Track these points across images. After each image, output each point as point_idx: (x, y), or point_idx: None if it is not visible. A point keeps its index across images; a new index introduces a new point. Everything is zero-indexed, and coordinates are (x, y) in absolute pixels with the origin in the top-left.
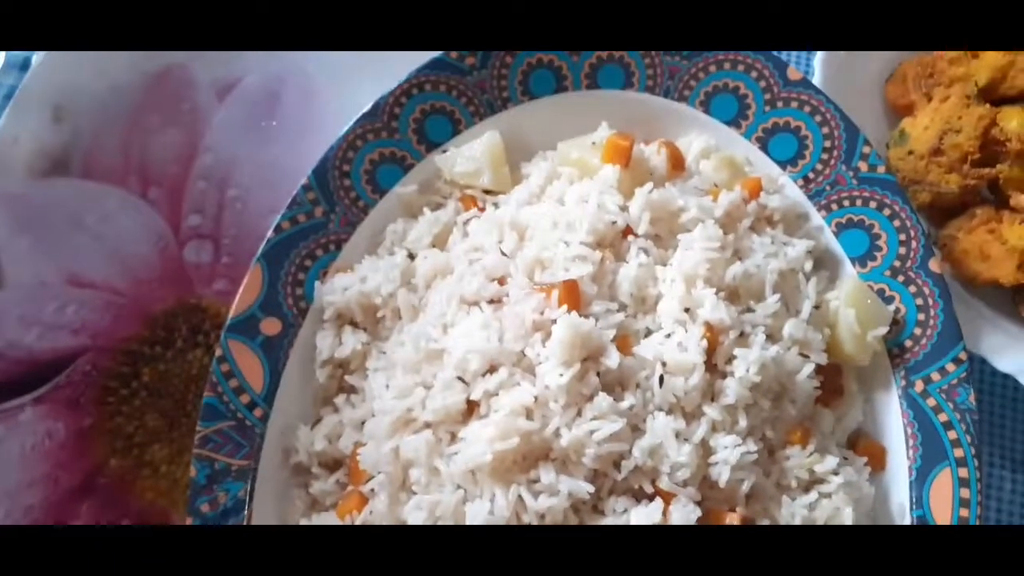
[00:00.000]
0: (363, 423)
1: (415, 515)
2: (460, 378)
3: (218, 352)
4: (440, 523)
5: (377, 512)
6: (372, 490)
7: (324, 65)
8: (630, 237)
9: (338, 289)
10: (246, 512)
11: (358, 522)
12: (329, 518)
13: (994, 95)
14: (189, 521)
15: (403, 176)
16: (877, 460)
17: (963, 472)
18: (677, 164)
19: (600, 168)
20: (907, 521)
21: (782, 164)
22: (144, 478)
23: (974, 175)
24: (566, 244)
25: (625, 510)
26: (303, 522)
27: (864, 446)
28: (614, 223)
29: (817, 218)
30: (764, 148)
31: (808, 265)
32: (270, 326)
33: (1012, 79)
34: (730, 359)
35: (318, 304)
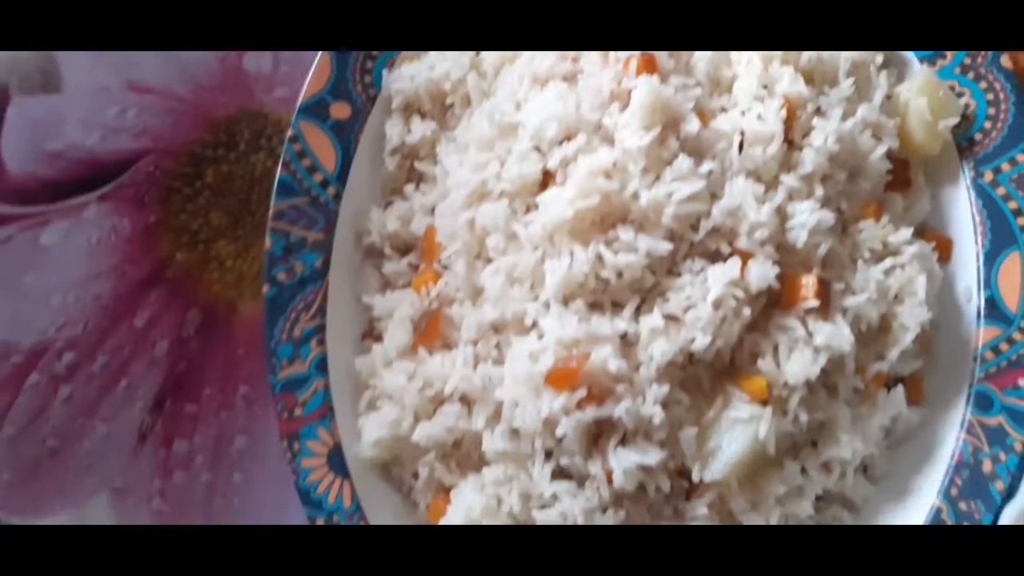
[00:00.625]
0: (433, 208)
1: (492, 280)
2: (537, 148)
3: (290, 133)
4: (517, 286)
5: (453, 281)
6: (445, 267)
7: None
8: None
9: (406, 77)
10: (323, 282)
11: (434, 293)
12: (403, 295)
13: None
14: (265, 289)
15: None
16: (944, 250)
17: None
18: None
19: None
20: (975, 303)
21: None
22: (211, 271)
23: None
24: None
25: (702, 269)
26: (377, 299)
27: (931, 238)
28: None
29: None
30: None
31: (879, 59)
32: (340, 110)
33: None
34: (807, 132)
35: (386, 92)
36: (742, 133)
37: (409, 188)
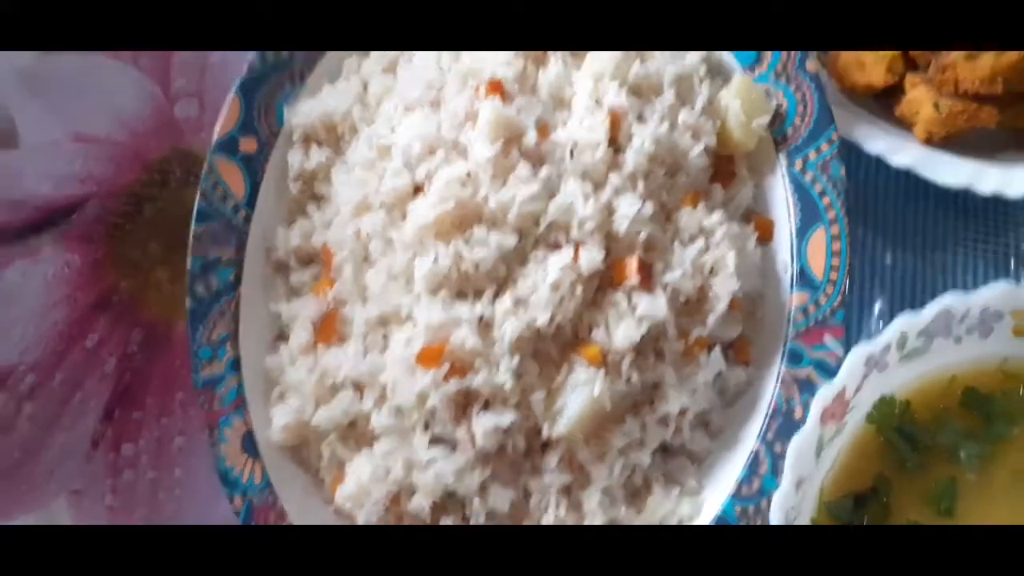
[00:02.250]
0: (330, 223)
1: (375, 280)
2: (407, 165)
3: (206, 167)
4: (394, 283)
5: (344, 284)
6: (339, 273)
7: None
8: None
9: (303, 112)
10: (235, 293)
11: (330, 297)
12: (306, 301)
13: None
14: (188, 302)
15: None
16: (766, 231)
17: (834, 230)
18: None
19: None
20: (789, 273)
21: None
22: (151, 295)
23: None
24: (493, 57)
25: (544, 258)
26: (283, 306)
27: (756, 221)
28: None
29: None
30: None
31: (703, 70)
32: (248, 144)
33: None
34: (630, 137)
35: (287, 127)
36: (574, 143)
37: (310, 208)
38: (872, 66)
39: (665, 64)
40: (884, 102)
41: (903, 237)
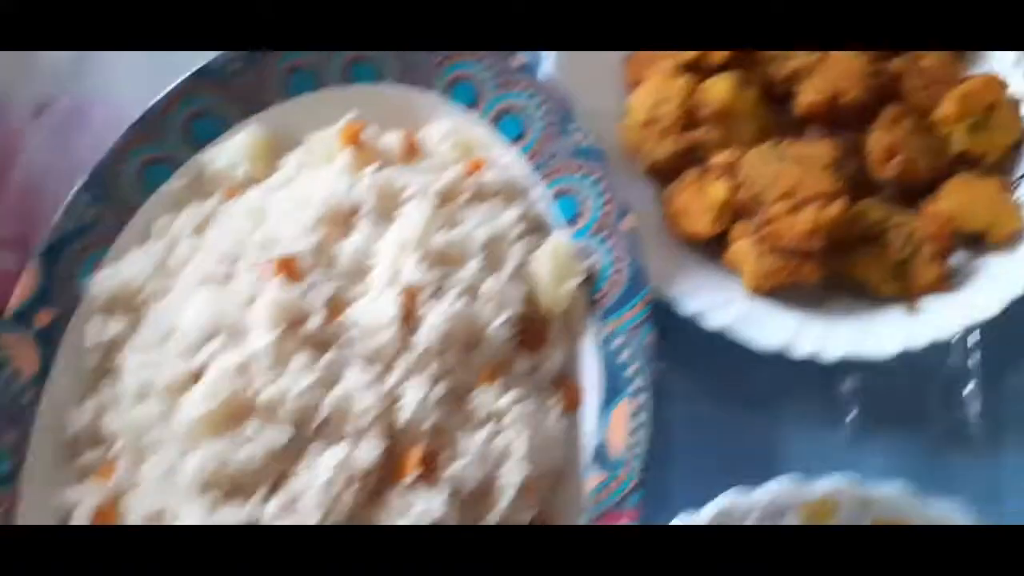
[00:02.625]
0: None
1: (150, 471)
2: (188, 349)
3: None
4: (170, 478)
5: (120, 475)
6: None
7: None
8: (355, 216)
9: (103, 280)
10: (12, 485)
11: (111, 484)
12: (92, 486)
13: (702, 65)
14: None
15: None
16: (573, 400)
17: (637, 403)
18: (412, 149)
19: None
20: (591, 448)
21: (512, 141)
22: None
23: (681, 140)
24: (295, 224)
25: (321, 453)
26: (68, 491)
27: (566, 387)
28: (342, 203)
29: (539, 189)
30: (497, 128)
31: (516, 230)
32: (44, 317)
33: (712, 52)
34: (425, 315)
35: (87, 295)
36: (363, 323)
37: (104, 383)
38: (699, 214)
39: (476, 227)
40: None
41: (724, 400)
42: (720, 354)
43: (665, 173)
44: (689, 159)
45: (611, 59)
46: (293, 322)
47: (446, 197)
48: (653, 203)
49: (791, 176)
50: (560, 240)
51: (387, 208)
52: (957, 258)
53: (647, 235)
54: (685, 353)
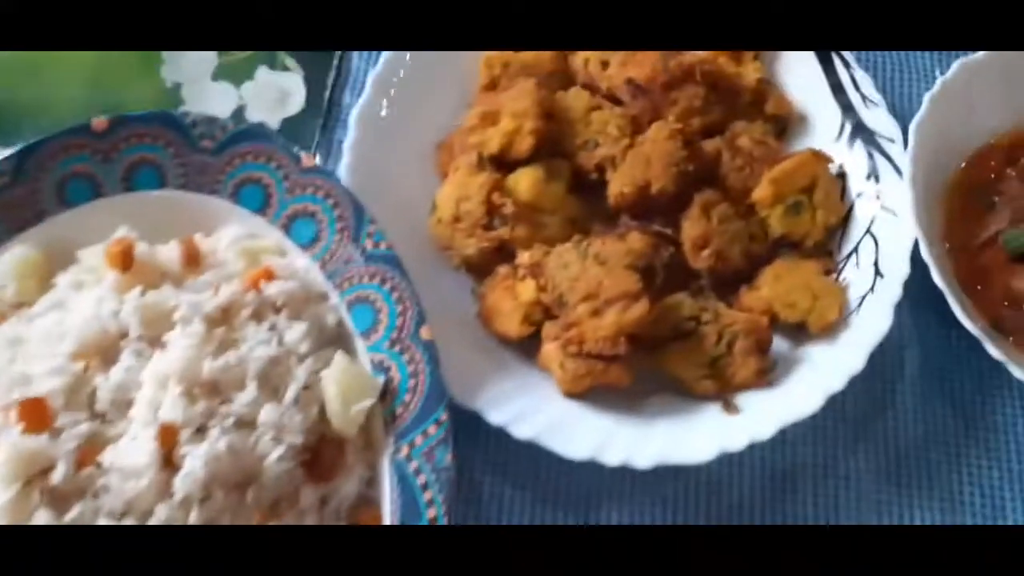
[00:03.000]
0: None
1: None
2: None
3: None
4: None
5: None
6: None
7: None
8: (123, 341)
9: None
10: None
11: None
12: None
13: (507, 158)
14: None
15: None
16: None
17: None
18: (193, 260)
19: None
20: None
21: (305, 247)
22: None
23: (486, 238)
24: (50, 358)
25: None
26: None
27: (365, 515)
28: (106, 330)
29: (334, 297)
30: (289, 233)
31: (304, 347)
32: None
33: (518, 144)
34: (186, 455)
35: None
36: (118, 470)
37: None
38: (508, 315)
39: (254, 349)
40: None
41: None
42: (538, 460)
43: (478, 269)
44: (500, 255)
45: (421, 145)
46: (36, 474)
47: (222, 317)
48: (472, 298)
49: (593, 277)
50: (346, 358)
51: (155, 334)
52: (778, 348)
53: (463, 334)
54: (500, 461)
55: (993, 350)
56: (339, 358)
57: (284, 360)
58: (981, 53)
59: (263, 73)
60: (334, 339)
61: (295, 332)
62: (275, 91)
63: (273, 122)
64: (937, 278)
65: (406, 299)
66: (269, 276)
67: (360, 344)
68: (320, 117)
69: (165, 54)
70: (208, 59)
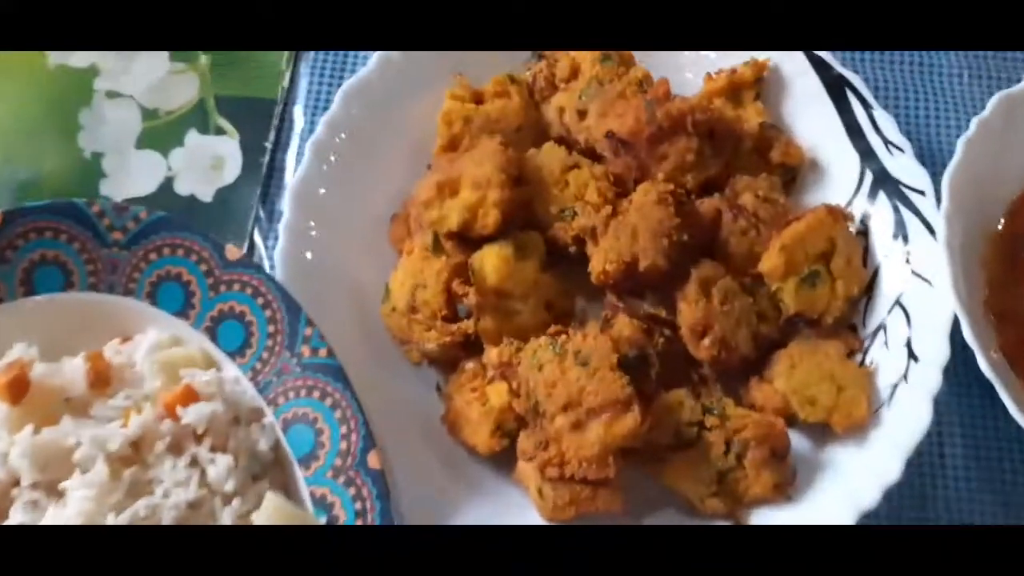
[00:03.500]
0: None
1: None
2: None
3: None
4: None
5: None
6: None
7: None
8: (14, 490)
9: None
10: None
11: None
12: None
13: (471, 235)
14: None
15: None
16: None
17: None
18: (100, 379)
19: None
20: None
21: (233, 355)
22: None
23: (447, 332)
24: None
25: None
26: None
27: None
28: None
29: (268, 415)
30: (214, 339)
31: (230, 485)
32: None
33: (481, 219)
34: None
35: None
36: None
37: None
38: (477, 425)
39: (170, 492)
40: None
41: None
42: None
43: (442, 363)
44: (466, 348)
45: (372, 218)
46: None
47: (133, 453)
48: (438, 396)
49: (573, 381)
50: (278, 498)
51: (53, 479)
52: (797, 449)
53: (427, 444)
54: None
55: None
56: (271, 499)
57: (206, 503)
58: (1022, 84)
59: (194, 138)
60: (268, 468)
61: (219, 467)
62: (208, 157)
63: (207, 193)
64: (985, 367)
65: (350, 418)
66: (189, 398)
67: (299, 473)
68: (259, 185)
69: (83, 119)
70: (132, 125)
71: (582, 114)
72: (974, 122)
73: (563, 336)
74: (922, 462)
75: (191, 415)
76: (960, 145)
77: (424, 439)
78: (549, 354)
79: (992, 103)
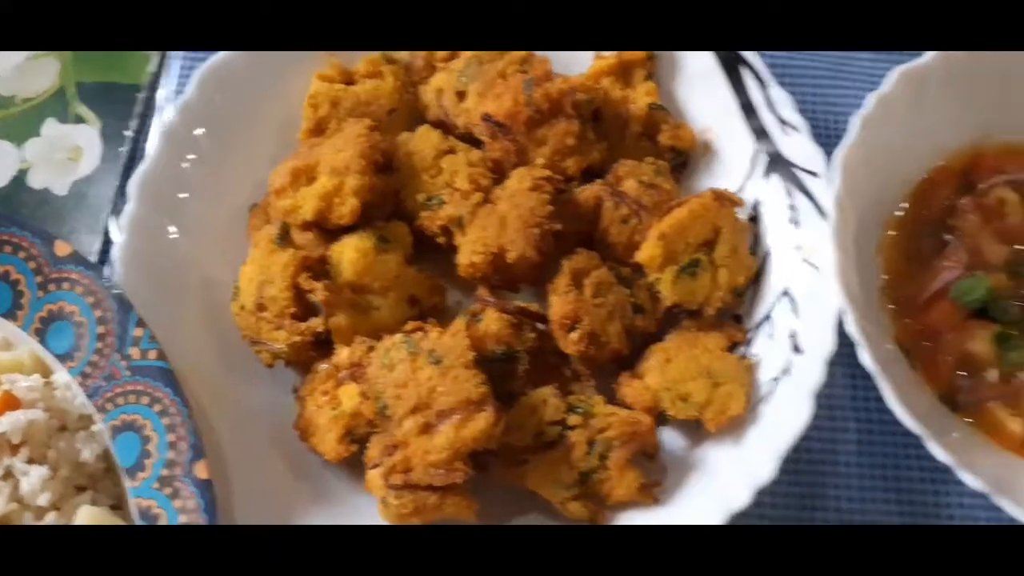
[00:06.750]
0: None
1: None
2: None
3: None
4: None
5: None
6: None
7: None
8: None
9: None
10: None
11: None
12: None
13: (327, 225)
14: None
15: None
16: None
17: None
18: None
19: None
20: None
21: (62, 358)
22: None
23: (296, 331)
24: None
25: None
26: None
27: None
28: None
29: (98, 422)
30: (43, 341)
31: (44, 498)
32: None
33: (339, 207)
34: None
35: None
36: None
37: None
38: (325, 430)
39: None
40: None
41: None
42: None
43: (297, 365)
44: (322, 348)
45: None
46: None
47: None
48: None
49: (424, 381)
50: (106, 508)
51: None
52: (671, 448)
53: (278, 452)
54: None
55: (939, 451)
56: (86, 512)
57: (15, 517)
58: (925, 56)
59: (51, 127)
60: (98, 478)
61: (32, 479)
62: (65, 148)
63: (62, 186)
64: (867, 360)
65: (179, 425)
66: (8, 405)
67: (127, 483)
68: (118, 176)
69: None
70: None
71: (461, 96)
72: (872, 98)
73: (419, 333)
74: (812, 459)
75: (5, 424)
76: (855, 122)
77: (275, 446)
78: (401, 353)
79: (891, 78)
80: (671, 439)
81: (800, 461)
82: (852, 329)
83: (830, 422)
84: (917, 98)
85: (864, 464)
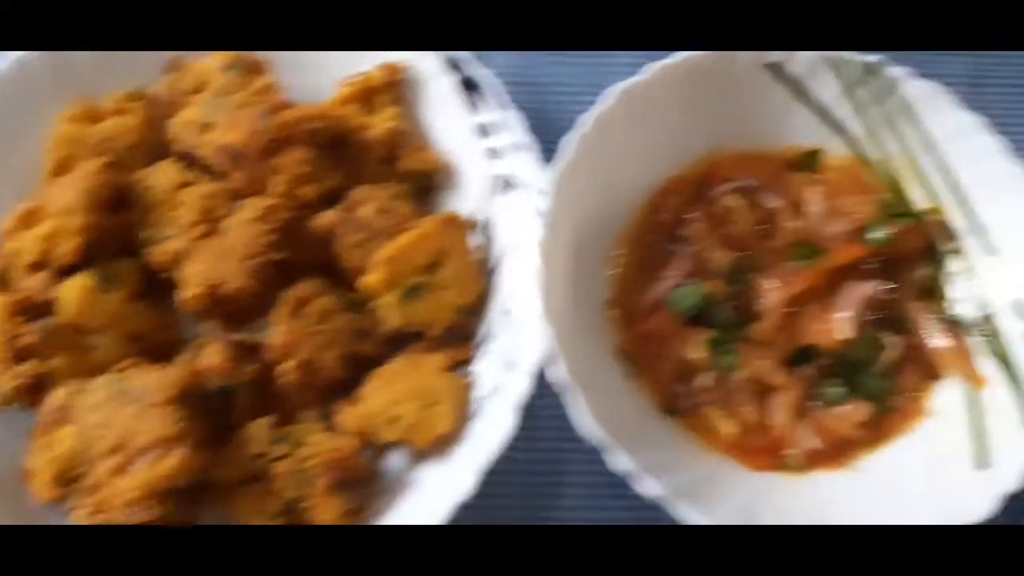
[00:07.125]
0: None
1: None
2: None
3: None
4: None
5: None
6: None
7: None
8: None
9: None
10: None
11: None
12: None
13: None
14: None
15: None
16: None
17: None
18: None
19: None
20: None
21: None
22: None
23: (16, 374)
24: None
25: None
26: None
27: None
28: None
29: None
30: None
31: None
32: None
33: (61, 246)
34: None
35: None
36: None
37: None
38: (40, 475)
39: None
40: None
41: None
42: None
43: (30, 407)
44: (45, 390)
45: None
46: None
47: None
48: None
49: (123, 421)
50: None
51: None
52: (393, 471)
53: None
54: None
55: (622, 459)
56: None
57: None
58: (642, 72)
59: None
60: None
61: None
62: None
63: None
64: (558, 376)
65: None
66: None
67: None
68: None
69: None
70: None
71: (206, 128)
72: (588, 117)
73: (126, 372)
74: (538, 470)
75: None
76: (570, 143)
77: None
78: (104, 393)
79: (608, 97)
80: (396, 461)
81: (524, 475)
82: (550, 343)
83: (557, 431)
84: (642, 112)
85: (598, 475)
